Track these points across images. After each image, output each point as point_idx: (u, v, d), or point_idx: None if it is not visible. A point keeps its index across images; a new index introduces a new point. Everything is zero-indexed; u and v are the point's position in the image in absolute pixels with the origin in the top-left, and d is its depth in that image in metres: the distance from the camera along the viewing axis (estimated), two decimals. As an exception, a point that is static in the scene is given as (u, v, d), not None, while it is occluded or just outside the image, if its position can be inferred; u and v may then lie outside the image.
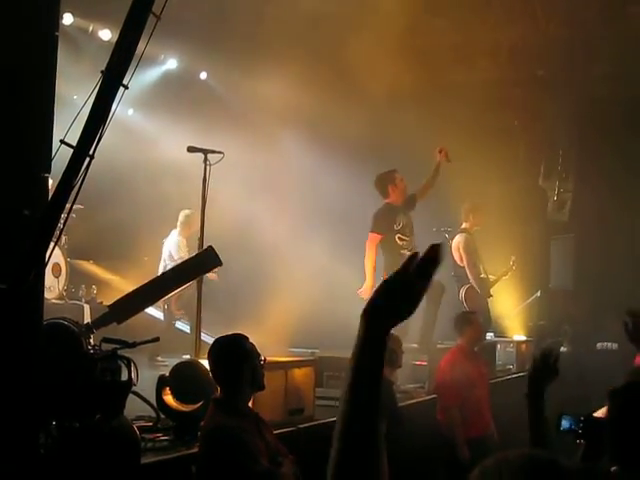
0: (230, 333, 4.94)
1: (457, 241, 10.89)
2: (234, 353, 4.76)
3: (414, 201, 10.12)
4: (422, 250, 1.93)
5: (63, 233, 10.79)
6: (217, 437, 4.54)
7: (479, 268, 10.93)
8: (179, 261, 10.72)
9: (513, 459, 1.67)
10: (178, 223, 11.55)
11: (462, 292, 10.67)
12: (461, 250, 10.79)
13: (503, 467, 1.65)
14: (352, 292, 9.54)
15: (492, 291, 11.25)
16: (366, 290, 9.33)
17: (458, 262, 10.80)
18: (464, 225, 11.13)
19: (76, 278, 11.89)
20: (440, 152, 10.15)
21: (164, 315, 11.35)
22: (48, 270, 10.34)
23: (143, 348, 5.76)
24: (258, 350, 4.91)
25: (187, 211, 11.43)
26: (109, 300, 6.48)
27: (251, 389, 4.81)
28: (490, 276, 11.33)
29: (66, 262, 11.18)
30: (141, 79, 12.45)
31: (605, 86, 14.57)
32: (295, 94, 12.37)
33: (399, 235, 9.66)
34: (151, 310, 10.83)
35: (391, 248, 9.60)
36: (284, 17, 11.26)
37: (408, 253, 8.22)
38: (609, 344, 13.09)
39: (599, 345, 13.41)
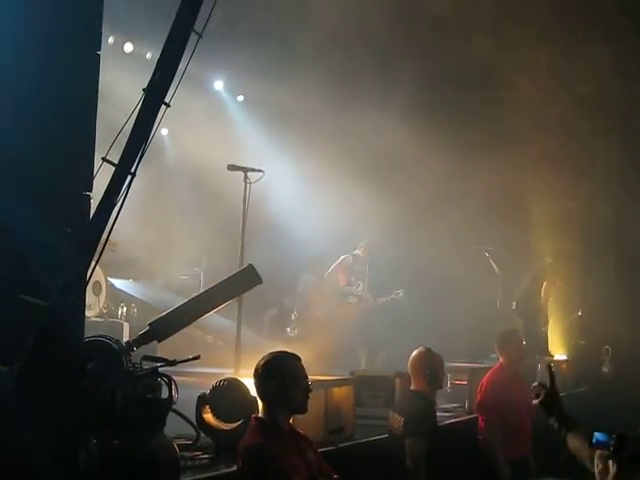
0: (279, 350, 4.93)
1: None
2: (273, 371, 4.74)
3: None
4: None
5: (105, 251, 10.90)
6: (251, 456, 4.52)
7: None
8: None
9: None
10: None
11: None
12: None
13: None
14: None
15: None
16: None
17: None
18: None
19: (116, 296, 11.94)
20: None
21: None
22: (89, 288, 10.44)
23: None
24: (304, 371, 4.87)
25: None
26: (148, 318, 6.46)
27: (289, 409, 4.78)
28: None
29: (106, 280, 11.24)
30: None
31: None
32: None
33: None
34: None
35: None
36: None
37: None
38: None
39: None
